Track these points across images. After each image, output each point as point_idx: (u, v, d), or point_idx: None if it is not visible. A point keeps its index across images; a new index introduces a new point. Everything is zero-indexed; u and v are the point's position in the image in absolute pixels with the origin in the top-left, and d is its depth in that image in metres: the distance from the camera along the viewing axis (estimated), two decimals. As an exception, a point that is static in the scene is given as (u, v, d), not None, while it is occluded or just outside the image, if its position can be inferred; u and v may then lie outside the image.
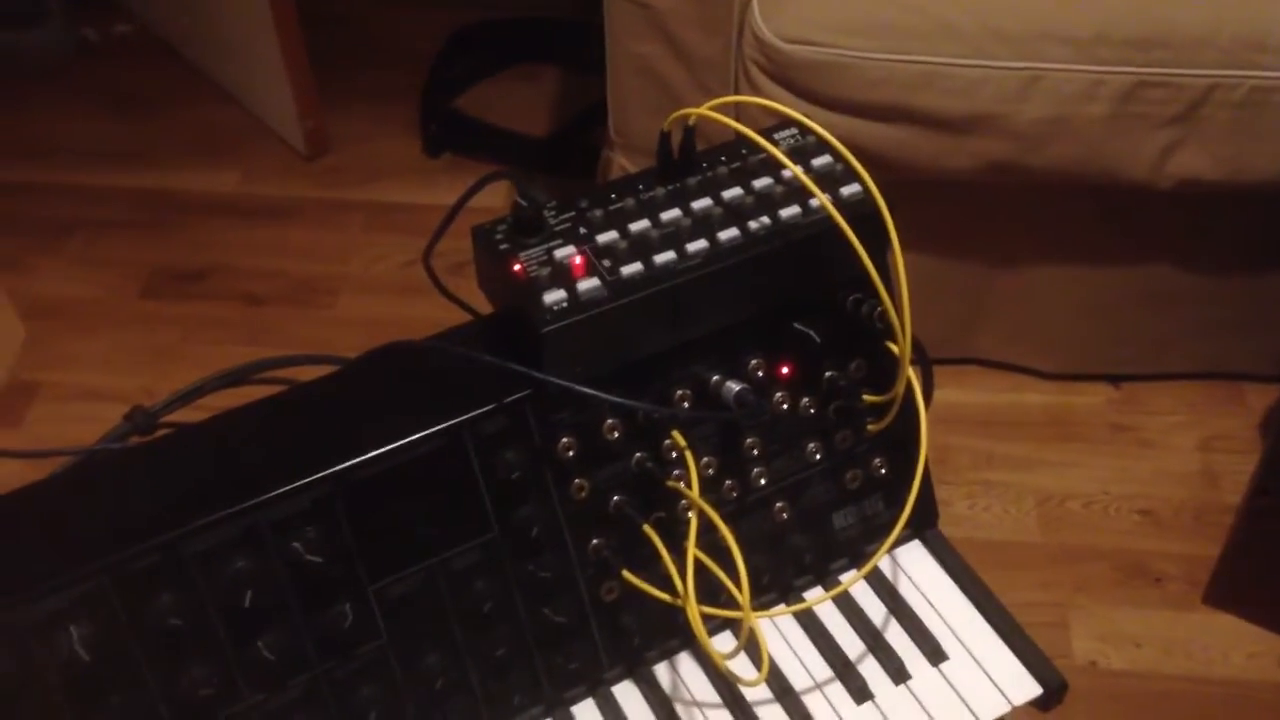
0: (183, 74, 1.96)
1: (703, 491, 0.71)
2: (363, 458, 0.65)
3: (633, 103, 1.36)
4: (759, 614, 0.73)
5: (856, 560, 0.78)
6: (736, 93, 1.29)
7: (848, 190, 0.72)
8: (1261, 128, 1.19)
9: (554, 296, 0.66)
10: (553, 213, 0.70)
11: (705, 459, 0.72)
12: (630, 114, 1.37)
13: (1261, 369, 1.46)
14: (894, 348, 0.71)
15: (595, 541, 0.70)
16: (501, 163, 1.79)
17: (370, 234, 1.73)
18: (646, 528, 0.69)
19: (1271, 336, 1.42)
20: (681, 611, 0.67)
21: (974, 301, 1.46)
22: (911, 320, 0.69)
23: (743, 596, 0.65)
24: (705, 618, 0.67)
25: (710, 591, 0.70)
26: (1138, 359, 1.48)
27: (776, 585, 0.77)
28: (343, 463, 0.64)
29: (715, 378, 0.71)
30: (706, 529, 0.69)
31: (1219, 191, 1.25)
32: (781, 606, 0.75)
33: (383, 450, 0.65)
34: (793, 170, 0.65)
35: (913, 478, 0.72)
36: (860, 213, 0.70)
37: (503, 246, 0.68)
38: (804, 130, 0.76)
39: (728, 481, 0.73)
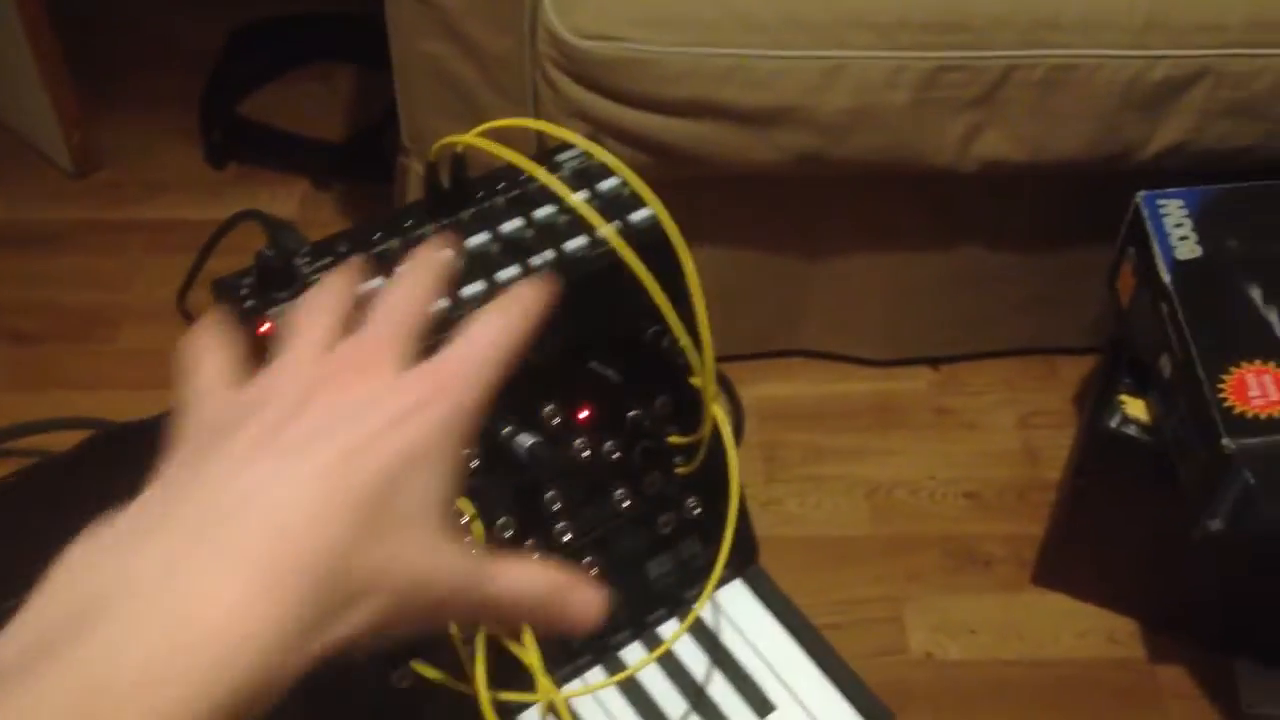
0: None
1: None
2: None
3: (425, 106, 1.28)
4: (562, 692, 0.67)
5: (676, 608, 0.73)
6: (535, 93, 1.22)
7: (639, 215, 0.66)
8: (1060, 107, 1.19)
9: (309, 360, 0.57)
10: (306, 260, 0.62)
11: (502, 519, 0.65)
12: (423, 118, 1.29)
13: (1074, 342, 1.48)
14: (697, 383, 0.65)
15: (382, 625, 0.63)
16: (292, 171, 1.67)
17: (152, 256, 1.58)
18: (437, 607, 0.62)
19: (1080, 309, 1.44)
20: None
21: (794, 293, 1.43)
22: (714, 348, 0.64)
23: (540, 677, 0.58)
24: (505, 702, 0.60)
25: (514, 668, 0.63)
26: (955, 340, 1.49)
27: (590, 647, 0.71)
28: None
29: (506, 430, 0.64)
30: (507, 598, 0.63)
31: (1023, 172, 1.25)
32: (578, 685, 0.69)
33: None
34: (572, 203, 0.59)
35: (727, 515, 0.67)
36: (654, 239, 0.64)
37: (248, 304, 0.60)
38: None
39: (529, 540, 0.67)
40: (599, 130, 1.20)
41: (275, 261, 0.60)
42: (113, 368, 1.45)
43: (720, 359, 1.44)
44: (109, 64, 1.79)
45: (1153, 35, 1.14)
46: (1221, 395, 1.00)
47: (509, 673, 0.63)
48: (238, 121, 1.72)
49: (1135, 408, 1.14)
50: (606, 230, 0.60)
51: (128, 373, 1.44)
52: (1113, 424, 1.14)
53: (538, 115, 1.23)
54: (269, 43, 1.84)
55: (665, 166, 1.22)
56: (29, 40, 1.55)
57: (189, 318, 0.71)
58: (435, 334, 0.58)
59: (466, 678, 0.61)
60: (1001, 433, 1.44)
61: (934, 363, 1.50)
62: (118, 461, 0.62)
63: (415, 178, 1.33)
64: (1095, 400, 1.18)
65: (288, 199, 1.65)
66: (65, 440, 0.68)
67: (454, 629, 0.61)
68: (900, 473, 1.40)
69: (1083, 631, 1.26)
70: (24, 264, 1.56)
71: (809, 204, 1.34)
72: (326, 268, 0.62)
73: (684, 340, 0.62)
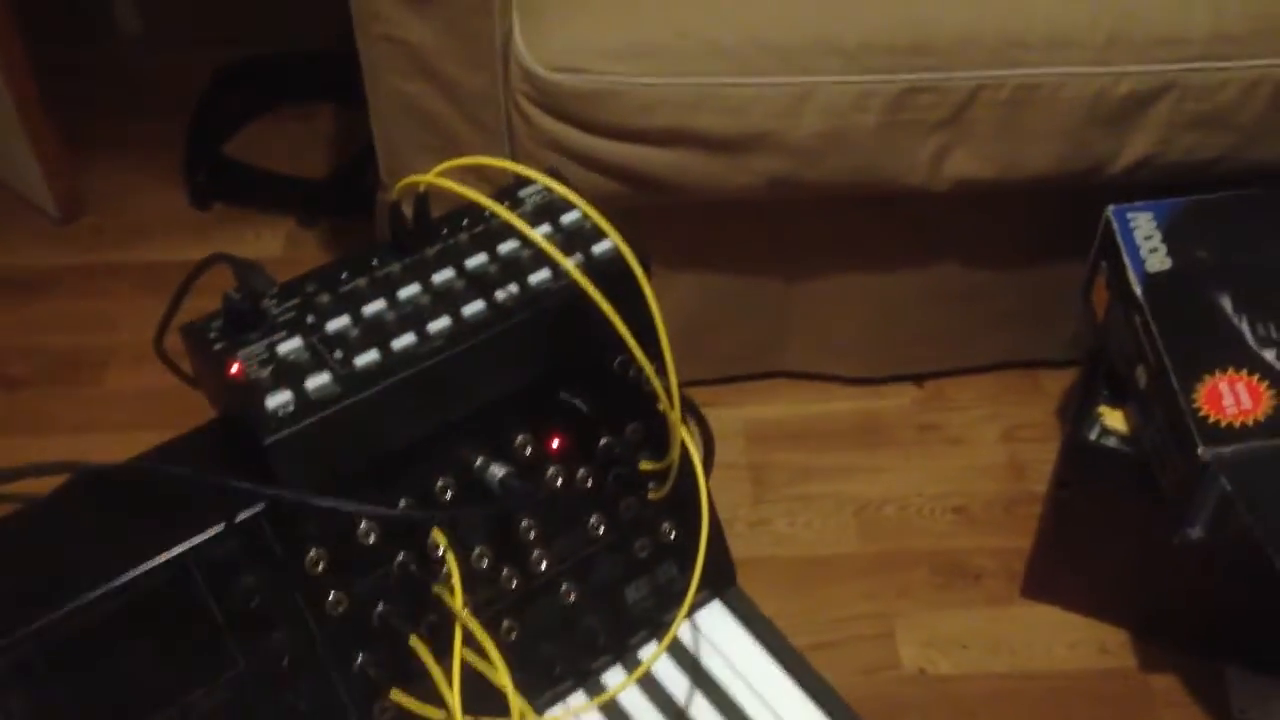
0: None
1: (477, 586, 0.65)
2: (72, 605, 0.56)
3: (402, 143, 1.29)
4: (544, 717, 0.68)
5: (655, 632, 0.74)
6: (509, 127, 1.24)
7: (601, 246, 0.67)
8: (1028, 124, 1.20)
9: (278, 400, 0.59)
10: (274, 301, 0.63)
11: (477, 550, 0.66)
12: (401, 155, 1.30)
13: (1055, 355, 1.49)
14: (664, 409, 0.66)
15: (361, 659, 0.64)
16: (277, 210, 1.68)
17: (139, 299, 1.60)
18: (414, 639, 0.62)
19: (1059, 322, 1.45)
20: (463, 725, 0.61)
21: (775, 315, 1.44)
22: (678, 375, 0.65)
23: (514, 701, 0.59)
24: (486, 731, 0.61)
25: (495, 696, 0.64)
26: (938, 356, 1.49)
27: (571, 672, 0.71)
28: (49, 615, 0.56)
29: (479, 462, 0.65)
30: (486, 627, 0.63)
31: (995, 190, 1.26)
32: (560, 710, 0.70)
33: (96, 594, 0.57)
34: (532, 237, 0.60)
35: (700, 537, 0.68)
36: (617, 270, 0.65)
37: (217, 346, 0.61)
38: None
39: (505, 570, 0.68)
40: (574, 161, 1.21)
41: (243, 303, 0.61)
42: (102, 410, 1.46)
43: (703, 382, 1.46)
44: (91, 109, 1.81)
45: (1116, 51, 1.15)
46: (1196, 405, 1.01)
47: (491, 700, 0.64)
48: (221, 162, 1.74)
49: (1114, 419, 1.15)
50: (568, 266, 0.61)
51: (116, 415, 1.45)
52: (1092, 436, 1.15)
53: (513, 148, 1.25)
54: (249, 84, 1.86)
55: (641, 195, 1.23)
56: (10, 88, 1.56)
57: (168, 361, 0.72)
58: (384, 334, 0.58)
59: (446, 706, 0.62)
60: (987, 447, 1.45)
61: (917, 379, 1.51)
62: (99, 504, 0.63)
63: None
64: (1075, 412, 1.19)
65: (273, 238, 1.66)
66: (48, 485, 0.69)
67: (431, 660, 0.61)
68: (887, 489, 1.41)
69: (1073, 643, 1.27)
70: (11, 309, 1.57)
71: (786, 227, 1.35)
72: (295, 307, 0.63)
73: (647, 368, 0.63)
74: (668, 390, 0.63)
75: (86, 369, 1.51)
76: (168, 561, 0.58)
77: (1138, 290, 1.09)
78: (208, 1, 1.95)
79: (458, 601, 0.61)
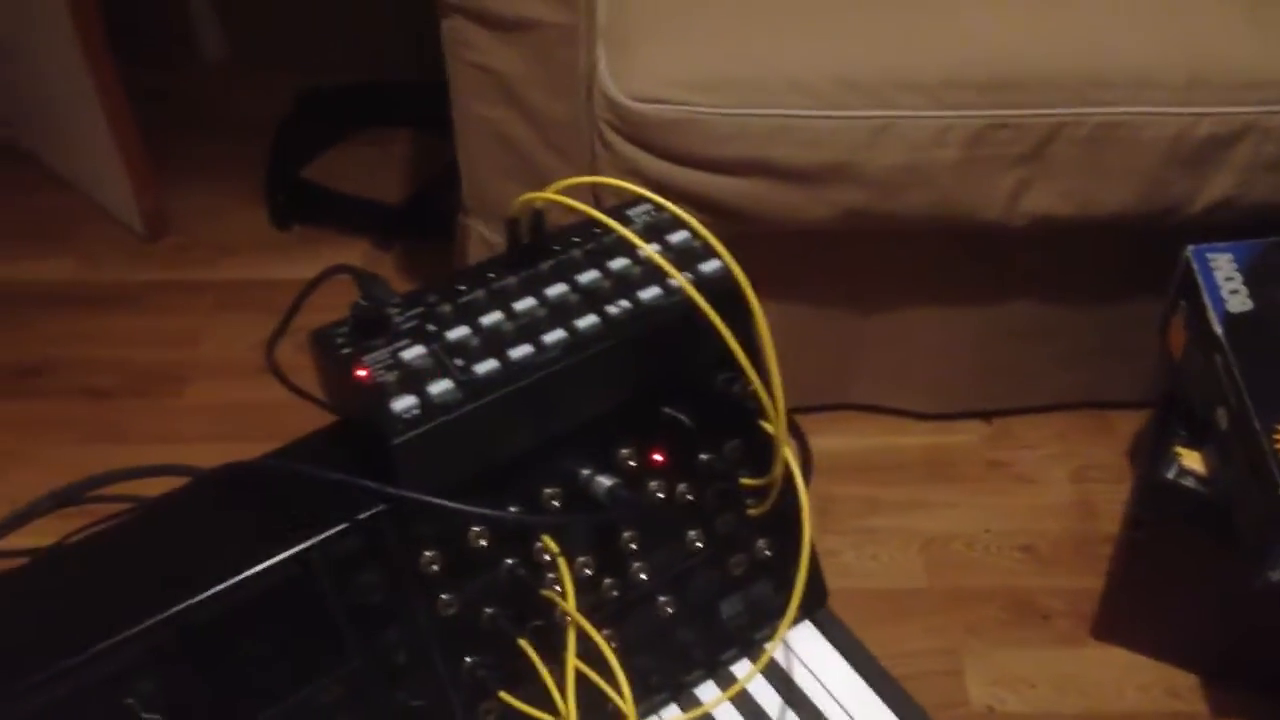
0: (8, 159, 1.85)
1: (580, 593, 0.67)
2: (202, 596, 0.59)
3: (485, 168, 1.32)
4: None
5: (747, 649, 0.75)
6: (592, 154, 1.26)
7: (709, 266, 0.69)
8: (1107, 162, 1.21)
9: (403, 403, 0.61)
10: (397, 310, 0.65)
11: (581, 558, 0.68)
12: (484, 179, 1.33)
13: (1126, 395, 1.49)
14: (768, 427, 0.68)
15: (469, 660, 0.65)
16: (354, 232, 1.72)
17: (221, 314, 1.64)
18: (522, 642, 0.64)
19: (1132, 363, 1.45)
20: (567, 729, 0.63)
21: (846, 347, 1.45)
22: (785, 395, 0.66)
23: (627, 706, 0.60)
24: (591, 735, 0.62)
25: (597, 702, 0.65)
26: (1007, 394, 1.50)
27: (667, 684, 0.72)
28: (179, 604, 0.58)
29: (585, 473, 0.67)
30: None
31: (1071, 227, 1.26)
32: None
33: (225, 586, 0.59)
34: (647, 253, 0.62)
35: (798, 556, 0.69)
36: (724, 288, 0.67)
37: (344, 351, 0.63)
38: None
39: (607, 580, 0.69)
40: (654, 188, 1.23)
41: (370, 311, 0.63)
42: (182, 422, 1.50)
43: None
44: (177, 132, 1.86)
45: (1197, 93, 1.16)
46: (1279, 446, 1.01)
47: (594, 707, 0.65)
48: (301, 185, 1.78)
49: (1191, 459, 1.15)
50: (681, 281, 0.63)
51: (195, 427, 1.49)
52: (1169, 475, 1.15)
53: (595, 174, 1.27)
54: (329, 110, 1.91)
55: (719, 223, 1.24)
56: (104, 109, 1.62)
57: (278, 373, 0.74)
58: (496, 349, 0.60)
59: (553, 710, 0.63)
60: (1056, 486, 1.45)
61: (986, 416, 1.51)
62: (217, 503, 0.65)
63: (476, 236, 1.37)
64: (1150, 452, 1.19)
65: (350, 259, 1.69)
66: (145, 489, 0.71)
67: (540, 663, 0.63)
68: (955, 525, 1.41)
69: (1144, 685, 1.26)
70: (99, 323, 1.62)
71: (860, 259, 1.36)
72: (417, 316, 0.65)
73: (757, 384, 0.64)
74: (774, 407, 0.65)
75: (168, 382, 1.55)
76: (292, 557, 0.60)
77: (1219, 331, 1.09)
78: (290, 29, 2.00)
79: (571, 605, 0.62)
